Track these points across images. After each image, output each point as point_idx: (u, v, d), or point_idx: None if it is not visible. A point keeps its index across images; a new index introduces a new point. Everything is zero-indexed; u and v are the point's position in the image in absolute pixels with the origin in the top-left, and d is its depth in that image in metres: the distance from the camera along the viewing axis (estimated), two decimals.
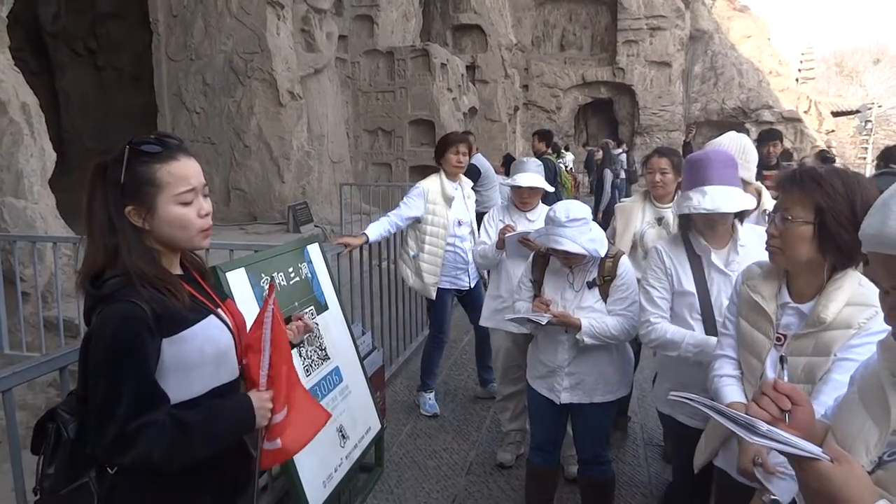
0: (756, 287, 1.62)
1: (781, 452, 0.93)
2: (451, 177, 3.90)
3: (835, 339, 1.47)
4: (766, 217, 1.60)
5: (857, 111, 24.00)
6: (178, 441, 1.27)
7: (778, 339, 1.55)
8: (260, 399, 1.41)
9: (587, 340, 2.39)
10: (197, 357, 1.34)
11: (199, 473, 1.38)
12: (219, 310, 1.45)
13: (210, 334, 1.37)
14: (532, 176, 3.30)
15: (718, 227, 2.10)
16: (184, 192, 1.34)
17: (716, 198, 1.97)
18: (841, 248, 1.44)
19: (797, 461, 0.92)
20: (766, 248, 1.55)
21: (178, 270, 1.43)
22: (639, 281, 2.60)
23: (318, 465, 2.40)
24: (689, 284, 2.12)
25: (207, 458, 1.34)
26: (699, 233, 2.13)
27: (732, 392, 1.69)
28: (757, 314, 1.60)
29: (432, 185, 3.85)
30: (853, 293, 1.47)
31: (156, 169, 1.32)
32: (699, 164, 2.08)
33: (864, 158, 23.14)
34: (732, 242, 2.11)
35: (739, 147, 2.76)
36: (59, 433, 1.32)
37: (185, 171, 1.35)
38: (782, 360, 1.47)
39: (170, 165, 1.33)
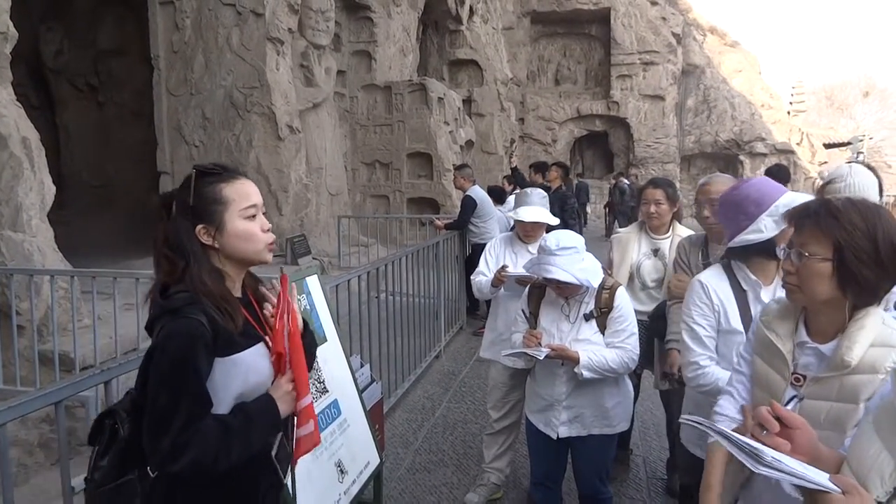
0: (770, 324, 1.51)
1: (789, 480, 0.92)
2: None
3: (861, 384, 1.33)
4: (783, 252, 1.50)
5: (849, 143, 24.26)
6: (221, 442, 1.34)
7: (797, 378, 1.45)
8: (279, 388, 1.46)
9: (586, 374, 2.36)
10: (240, 384, 1.41)
11: (231, 488, 1.45)
12: (266, 337, 1.51)
13: (255, 363, 1.44)
14: (535, 210, 3.26)
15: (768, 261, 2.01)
16: (247, 206, 1.45)
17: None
18: (862, 286, 1.33)
19: (808, 492, 0.91)
20: (783, 286, 1.46)
21: (238, 294, 1.50)
22: (636, 312, 2.60)
23: (317, 500, 2.36)
24: (738, 322, 2.00)
25: (239, 472, 1.41)
26: (748, 266, 2.04)
27: None
28: (771, 353, 1.50)
29: None
30: (878, 333, 1.35)
31: (221, 188, 1.43)
32: (744, 200, 1.99)
33: None
34: (779, 279, 1.96)
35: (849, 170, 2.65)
36: (116, 429, 1.40)
37: (247, 189, 1.48)
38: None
39: (232, 185, 1.45)
